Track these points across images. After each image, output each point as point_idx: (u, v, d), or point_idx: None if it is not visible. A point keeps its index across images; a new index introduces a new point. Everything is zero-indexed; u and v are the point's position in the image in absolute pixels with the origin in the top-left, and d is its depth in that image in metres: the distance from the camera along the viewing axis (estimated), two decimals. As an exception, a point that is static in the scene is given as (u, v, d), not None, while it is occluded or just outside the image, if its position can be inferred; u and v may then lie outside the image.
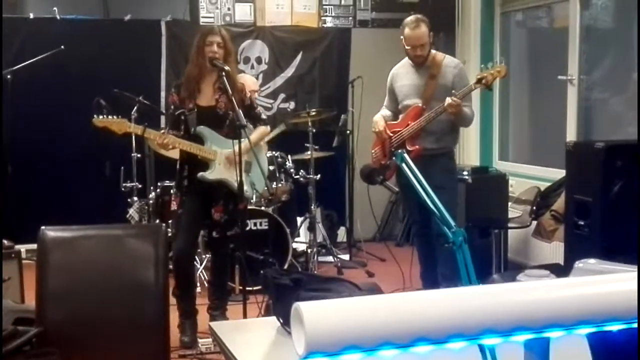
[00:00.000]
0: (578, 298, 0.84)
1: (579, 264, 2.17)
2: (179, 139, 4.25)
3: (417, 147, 4.71)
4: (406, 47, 4.78)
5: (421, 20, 4.75)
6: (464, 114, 4.65)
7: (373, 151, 5.06)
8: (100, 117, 4.20)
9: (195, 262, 5.03)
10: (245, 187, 4.33)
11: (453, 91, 4.56)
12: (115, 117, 4.23)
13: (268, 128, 4.63)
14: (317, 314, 0.80)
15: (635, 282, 0.84)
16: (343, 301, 0.82)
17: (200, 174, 4.28)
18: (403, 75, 4.93)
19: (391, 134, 4.84)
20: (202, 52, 4.25)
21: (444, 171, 4.78)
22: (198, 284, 5.17)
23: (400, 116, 4.90)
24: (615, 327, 0.86)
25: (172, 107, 4.38)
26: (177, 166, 4.46)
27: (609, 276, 0.88)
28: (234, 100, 4.07)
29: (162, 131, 4.32)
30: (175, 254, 4.35)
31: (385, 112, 5.03)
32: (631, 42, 5.16)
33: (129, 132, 4.33)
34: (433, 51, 4.87)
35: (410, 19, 4.79)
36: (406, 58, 4.93)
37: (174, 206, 4.47)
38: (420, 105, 4.76)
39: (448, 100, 4.50)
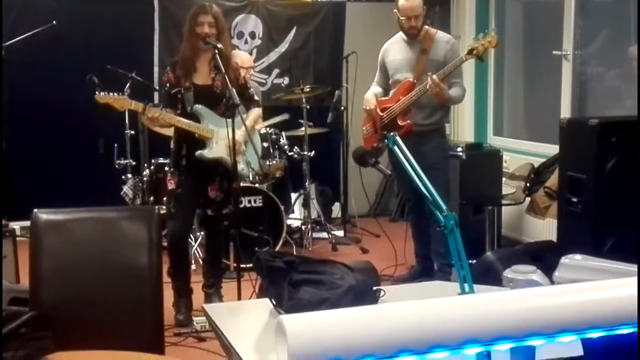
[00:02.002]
0: (559, 307, 0.85)
1: (565, 260, 2.17)
2: (178, 117, 4.25)
3: (408, 122, 4.70)
4: (400, 19, 4.75)
5: None
6: (447, 96, 4.63)
7: (364, 128, 5.06)
8: (102, 93, 4.19)
9: (190, 240, 5.06)
10: (242, 166, 4.36)
11: (433, 75, 4.52)
12: (116, 94, 4.22)
13: (260, 110, 4.65)
14: (299, 326, 0.80)
15: (615, 291, 0.85)
16: (325, 313, 0.82)
17: (199, 152, 4.28)
18: (395, 49, 4.91)
19: (381, 113, 4.82)
20: (195, 31, 4.22)
21: (436, 148, 4.79)
22: (193, 262, 5.18)
23: (391, 91, 4.88)
24: (596, 335, 0.87)
25: (168, 85, 4.34)
26: (172, 145, 4.44)
27: (589, 284, 0.88)
28: (228, 78, 4.08)
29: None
30: (171, 236, 4.37)
31: (376, 88, 5.01)
32: (627, 16, 5.13)
33: (130, 109, 4.29)
34: (426, 26, 4.85)
35: None
36: (398, 33, 4.91)
37: (171, 185, 4.43)
38: (411, 79, 4.74)
39: (429, 80, 4.48)
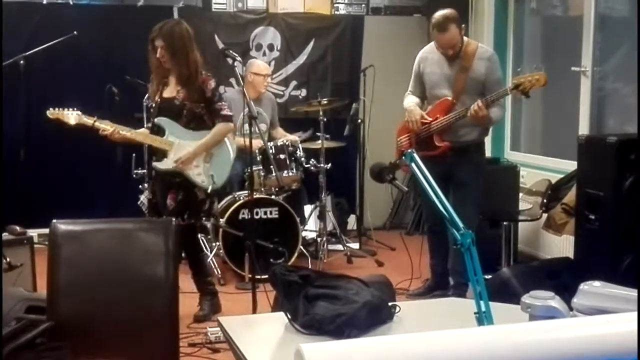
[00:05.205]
0: (568, 341, 0.84)
1: (584, 286, 2.16)
2: (129, 130, 4.38)
3: (445, 143, 4.63)
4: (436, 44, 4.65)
5: (449, 21, 4.50)
6: (489, 120, 4.54)
7: (399, 139, 4.93)
8: (56, 109, 4.39)
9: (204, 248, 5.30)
10: (203, 178, 4.41)
11: (478, 101, 4.41)
12: (68, 110, 4.38)
13: (229, 125, 4.51)
14: (318, 356, 0.80)
15: (620, 325, 0.84)
16: (345, 343, 0.82)
17: (153, 163, 4.44)
18: (433, 61, 4.72)
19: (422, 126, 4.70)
20: (154, 54, 4.37)
21: (473, 165, 4.71)
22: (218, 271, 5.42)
23: (430, 107, 4.77)
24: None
25: (148, 100, 4.59)
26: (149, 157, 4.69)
27: (596, 318, 0.88)
28: (191, 95, 4.31)
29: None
30: None
31: (413, 98, 4.82)
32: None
33: (80, 123, 4.41)
34: (465, 39, 4.66)
35: (438, 19, 4.53)
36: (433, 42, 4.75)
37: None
38: (450, 98, 4.62)
39: (474, 106, 4.39)
